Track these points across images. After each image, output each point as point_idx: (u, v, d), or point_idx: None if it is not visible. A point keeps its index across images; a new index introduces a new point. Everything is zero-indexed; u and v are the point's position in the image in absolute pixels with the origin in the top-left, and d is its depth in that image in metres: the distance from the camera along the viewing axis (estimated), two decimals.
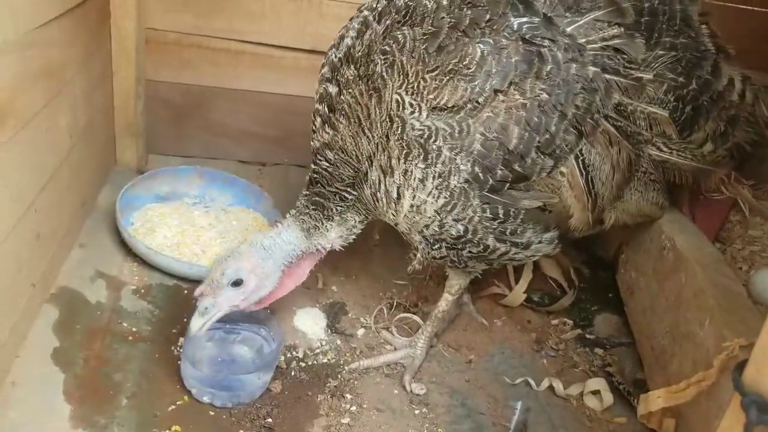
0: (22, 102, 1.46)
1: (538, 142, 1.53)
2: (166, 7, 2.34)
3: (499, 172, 1.54)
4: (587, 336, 2.16)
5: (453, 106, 1.51)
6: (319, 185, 1.81)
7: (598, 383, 1.89)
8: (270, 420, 1.61)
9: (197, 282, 1.98)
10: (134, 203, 2.18)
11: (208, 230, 2.16)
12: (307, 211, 1.83)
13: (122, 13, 2.18)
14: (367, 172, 1.71)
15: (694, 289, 1.68)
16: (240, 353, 1.75)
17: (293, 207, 1.86)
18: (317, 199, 1.81)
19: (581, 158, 1.61)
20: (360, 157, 1.71)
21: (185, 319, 1.84)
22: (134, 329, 1.78)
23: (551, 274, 2.33)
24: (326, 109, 1.71)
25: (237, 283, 1.69)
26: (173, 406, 1.59)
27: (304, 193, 1.85)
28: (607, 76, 1.57)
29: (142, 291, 1.93)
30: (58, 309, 1.75)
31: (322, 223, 1.83)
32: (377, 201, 1.73)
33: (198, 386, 1.61)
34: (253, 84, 2.53)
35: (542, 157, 1.55)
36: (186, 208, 2.26)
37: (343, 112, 1.68)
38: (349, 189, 1.79)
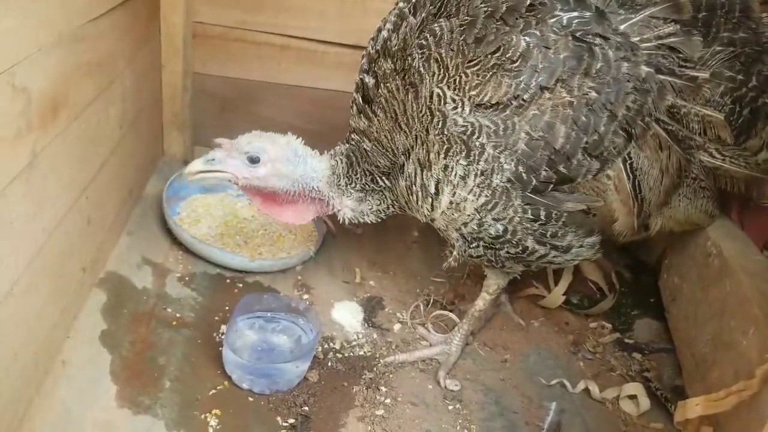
0: (75, 94, 1.51)
1: (586, 143, 1.49)
2: (213, 1, 2.39)
3: (543, 173, 1.52)
4: (626, 340, 2.13)
5: (497, 103, 1.49)
6: (355, 158, 1.81)
7: (635, 388, 1.86)
8: (306, 408, 1.64)
9: (239, 272, 2.05)
10: (180, 193, 2.25)
11: (250, 222, 2.21)
12: (342, 159, 1.82)
13: (170, 8, 2.24)
14: (403, 164, 1.71)
15: (738, 297, 1.65)
16: (279, 342, 1.78)
17: (336, 146, 1.85)
18: (354, 159, 1.81)
19: (629, 162, 1.56)
20: (396, 151, 1.72)
21: (227, 308, 1.90)
22: (178, 315, 1.84)
23: (592, 277, 2.30)
24: (361, 99, 1.73)
25: (253, 160, 1.72)
26: (214, 391, 1.63)
27: (348, 139, 1.82)
28: (661, 77, 1.52)
29: (186, 278, 1.99)
30: (106, 293, 1.82)
31: (347, 185, 1.83)
32: (411, 194, 1.72)
33: (238, 372, 1.65)
34: (297, 78, 2.56)
35: (588, 159, 1.51)
36: (230, 199, 2.31)
37: (380, 105, 1.69)
38: (383, 177, 1.80)
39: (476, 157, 1.53)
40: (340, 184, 1.84)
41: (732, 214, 1.98)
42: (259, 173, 1.76)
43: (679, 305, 2.00)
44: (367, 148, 1.77)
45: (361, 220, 1.91)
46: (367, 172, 1.81)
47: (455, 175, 1.58)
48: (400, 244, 2.42)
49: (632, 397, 1.86)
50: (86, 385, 1.55)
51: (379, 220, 1.93)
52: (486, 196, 1.57)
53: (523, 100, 1.47)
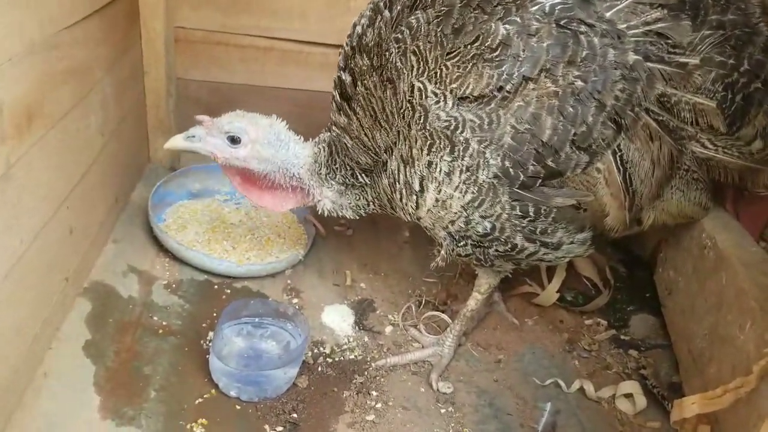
0: (51, 102, 1.49)
1: (574, 134, 1.45)
2: (195, 5, 2.36)
3: (531, 167, 1.48)
4: (622, 337, 2.10)
5: (480, 96, 1.45)
6: (336, 149, 1.77)
7: (631, 386, 1.83)
8: (295, 415, 1.61)
9: (227, 277, 2.02)
10: (167, 200, 2.22)
11: (238, 227, 2.18)
12: (324, 147, 1.79)
13: (151, 13, 2.21)
14: (386, 162, 1.68)
15: (735, 289, 1.61)
16: (267, 348, 1.75)
17: (320, 133, 1.83)
18: (334, 150, 1.77)
19: (619, 154, 1.52)
20: (378, 149, 1.69)
21: (215, 314, 1.87)
22: (164, 323, 1.81)
23: (586, 273, 2.26)
24: (339, 96, 1.71)
25: (233, 140, 1.72)
26: (200, 399, 1.60)
27: (330, 128, 1.79)
28: (650, 65, 1.47)
29: (173, 286, 1.96)
30: (90, 302, 1.79)
31: (327, 175, 1.80)
32: (395, 192, 1.69)
33: (225, 380, 1.62)
34: (282, 81, 2.53)
35: (577, 152, 1.48)
36: (217, 204, 2.28)
37: (359, 103, 1.66)
38: (363, 173, 1.77)
39: (461, 153, 1.50)
40: (320, 173, 1.81)
41: (726, 205, 1.94)
42: (239, 154, 1.76)
43: (675, 299, 1.97)
44: (348, 144, 1.74)
45: (340, 214, 1.89)
46: (347, 166, 1.79)
47: (440, 171, 1.55)
48: (392, 244, 2.39)
49: (629, 395, 1.83)
50: (69, 397, 1.52)
51: (357, 217, 1.91)
52: (472, 192, 1.54)
53: (507, 92, 1.44)
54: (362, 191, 1.83)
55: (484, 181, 1.51)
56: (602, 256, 2.32)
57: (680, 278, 1.96)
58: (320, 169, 1.81)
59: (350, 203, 1.87)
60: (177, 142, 1.77)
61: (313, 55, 2.49)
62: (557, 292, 2.15)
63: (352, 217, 1.91)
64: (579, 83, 1.44)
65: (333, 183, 1.83)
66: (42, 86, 1.43)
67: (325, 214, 1.90)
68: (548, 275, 2.22)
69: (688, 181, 1.71)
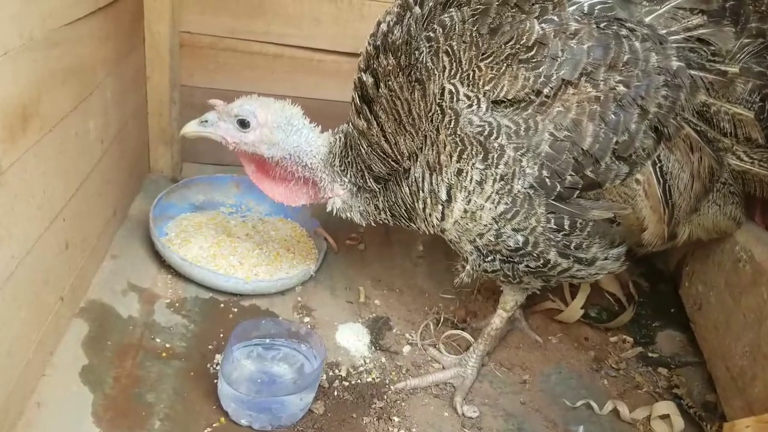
0: (48, 103, 1.37)
1: (616, 143, 1.37)
2: (202, 10, 2.27)
3: (569, 177, 1.39)
4: (650, 354, 2.00)
5: (515, 99, 1.36)
6: (351, 143, 1.69)
7: (666, 407, 1.72)
8: None
9: (234, 295, 1.90)
10: (168, 212, 2.09)
11: (245, 241, 2.06)
12: (341, 138, 1.73)
13: (156, 16, 2.10)
14: (409, 169, 1.58)
15: None
16: (280, 372, 1.63)
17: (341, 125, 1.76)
18: (350, 143, 1.70)
19: (659, 165, 1.44)
20: (399, 156, 1.59)
21: (222, 335, 1.74)
22: (168, 345, 1.68)
23: (609, 288, 2.17)
24: (358, 98, 1.62)
25: (243, 124, 1.69)
26: (209, 429, 1.48)
27: (348, 123, 1.72)
28: (692, 72, 1.40)
29: (177, 304, 1.83)
30: (88, 324, 1.66)
31: (341, 170, 1.73)
32: (417, 201, 1.59)
33: (235, 407, 1.49)
34: (292, 89, 2.42)
35: (617, 162, 1.39)
36: (222, 217, 2.16)
37: (381, 107, 1.56)
38: (372, 179, 1.70)
39: (495, 161, 1.40)
40: (334, 165, 1.73)
41: (755, 218, 1.85)
42: (248, 138, 1.71)
43: (706, 314, 1.86)
44: (363, 150, 1.65)
45: (349, 216, 1.81)
46: (358, 167, 1.71)
47: (470, 180, 1.45)
48: (406, 259, 2.27)
49: (664, 416, 1.72)
50: (65, 428, 1.39)
51: (365, 223, 1.82)
52: (506, 203, 1.44)
53: (545, 96, 1.35)
54: (373, 197, 1.74)
55: (519, 191, 1.42)
56: (625, 270, 2.22)
57: (711, 293, 1.86)
58: (334, 161, 1.73)
59: (360, 207, 1.78)
60: (191, 127, 1.75)
61: (325, 62, 2.40)
62: (581, 308, 2.05)
63: (359, 222, 1.82)
64: (621, 88, 1.35)
65: (345, 180, 1.74)
66: (39, 85, 1.32)
67: (334, 213, 1.81)
68: (571, 291, 2.12)
69: (725, 194, 1.63)
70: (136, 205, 2.17)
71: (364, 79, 1.58)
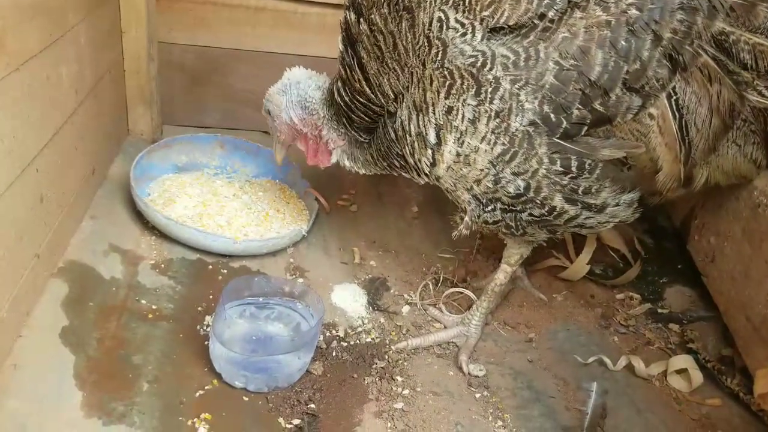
0: (14, 39, 1.24)
1: (627, 72, 1.27)
2: None
3: (576, 111, 1.28)
4: (659, 311, 1.92)
5: (516, 25, 1.26)
6: (338, 97, 1.63)
7: (684, 360, 1.65)
8: (313, 405, 1.39)
9: (223, 256, 1.79)
10: (150, 173, 1.97)
11: (232, 201, 1.94)
12: (331, 86, 1.67)
13: None
14: (395, 112, 1.48)
15: None
16: (275, 331, 1.53)
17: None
18: (336, 97, 1.64)
19: (674, 97, 1.33)
20: (384, 98, 1.48)
21: (211, 296, 1.64)
22: (154, 307, 1.57)
23: (613, 244, 2.09)
24: (341, 41, 1.54)
25: (269, 113, 1.79)
26: (201, 392, 1.38)
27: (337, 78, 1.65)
28: None
29: (162, 266, 1.71)
30: (67, 284, 1.54)
31: (334, 119, 1.69)
32: (405, 146, 1.49)
33: (229, 369, 1.39)
34: (275, 44, 2.31)
35: (629, 93, 1.29)
36: (207, 178, 2.04)
37: (363, 45, 1.45)
38: (361, 132, 1.66)
39: (488, 95, 1.30)
40: (329, 114, 1.69)
41: None
42: (280, 120, 1.76)
43: (721, 266, 1.79)
44: (346, 101, 1.58)
45: (354, 167, 1.76)
46: (342, 119, 1.66)
47: (462, 118, 1.34)
48: (400, 220, 2.17)
49: (680, 371, 1.65)
50: (44, 392, 1.28)
51: (371, 173, 1.76)
52: (503, 144, 1.33)
53: (549, 20, 1.25)
54: (368, 146, 1.66)
55: (517, 129, 1.31)
56: (628, 226, 2.15)
57: (726, 243, 1.78)
58: (328, 109, 1.68)
59: (360, 157, 1.72)
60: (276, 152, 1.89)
61: (310, 15, 2.28)
62: (586, 264, 1.97)
63: (366, 173, 1.76)
64: (633, 11, 1.25)
65: (341, 130, 1.69)
66: (4, 17, 1.19)
67: (347, 167, 1.77)
68: (575, 247, 2.04)
69: (745, 133, 1.50)
70: (115, 167, 2.04)
71: (349, 17, 1.48)
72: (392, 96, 1.48)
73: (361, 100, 1.55)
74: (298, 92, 1.70)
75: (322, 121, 1.69)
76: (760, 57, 1.37)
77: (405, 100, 1.44)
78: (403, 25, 1.37)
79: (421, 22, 1.34)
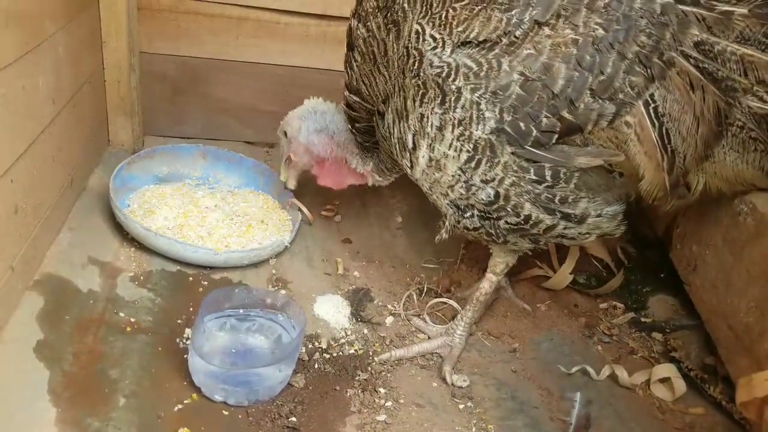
0: None
1: (591, 83, 1.28)
2: None
3: (545, 120, 1.30)
4: (642, 320, 1.93)
5: (485, 41, 1.29)
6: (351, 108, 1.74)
7: (667, 369, 1.65)
8: (294, 419, 1.37)
9: (203, 267, 1.77)
10: (130, 184, 1.95)
11: (214, 211, 1.92)
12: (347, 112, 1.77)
13: None
14: (384, 115, 1.55)
15: None
16: (256, 343, 1.51)
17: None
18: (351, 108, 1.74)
19: (653, 105, 1.33)
20: (375, 100, 1.53)
21: (191, 308, 1.61)
22: (133, 320, 1.54)
23: (596, 253, 2.09)
24: (346, 47, 1.61)
25: (287, 135, 1.92)
26: (180, 406, 1.35)
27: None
28: (683, 8, 1.30)
29: (141, 278, 1.69)
30: (43, 297, 1.51)
31: (356, 142, 1.82)
32: (392, 146, 1.57)
33: (209, 382, 1.37)
34: (257, 54, 2.30)
35: (599, 101, 1.30)
36: (188, 188, 2.02)
37: (359, 49, 1.52)
38: (366, 136, 1.74)
39: (452, 104, 1.33)
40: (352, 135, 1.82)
41: None
42: (296, 142, 1.87)
43: (702, 275, 1.79)
44: (350, 104, 1.63)
45: (386, 179, 1.90)
46: (353, 124, 1.76)
47: (431, 126, 1.38)
48: (384, 231, 2.16)
49: (663, 380, 1.65)
50: (17, 407, 1.25)
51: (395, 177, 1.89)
52: (467, 151, 1.37)
53: (515, 37, 1.28)
54: (377, 153, 1.80)
55: (479, 137, 1.34)
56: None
57: (707, 252, 1.78)
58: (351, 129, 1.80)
59: (382, 166, 1.85)
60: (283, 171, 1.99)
61: (292, 26, 2.27)
62: (570, 274, 1.97)
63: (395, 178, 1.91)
64: (599, 32, 1.28)
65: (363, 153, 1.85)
66: None
67: (378, 184, 1.92)
68: (558, 257, 2.04)
69: (744, 140, 1.46)
70: (95, 178, 2.01)
71: (352, 24, 1.54)
72: (381, 97, 1.54)
73: (359, 100, 1.64)
74: (321, 120, 1.85)
75: (352, 147, 1.84)
76: (750, 68, 1.36)
77: (390, 104, 1.49)
78: (391, 35, 1.43)
79: (404, 35, 1.39)
